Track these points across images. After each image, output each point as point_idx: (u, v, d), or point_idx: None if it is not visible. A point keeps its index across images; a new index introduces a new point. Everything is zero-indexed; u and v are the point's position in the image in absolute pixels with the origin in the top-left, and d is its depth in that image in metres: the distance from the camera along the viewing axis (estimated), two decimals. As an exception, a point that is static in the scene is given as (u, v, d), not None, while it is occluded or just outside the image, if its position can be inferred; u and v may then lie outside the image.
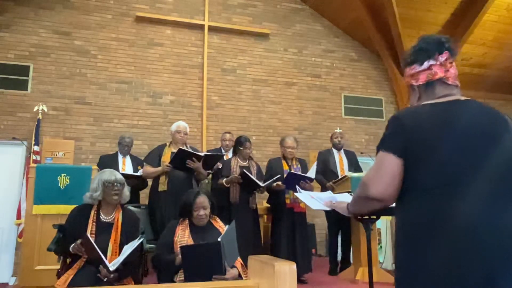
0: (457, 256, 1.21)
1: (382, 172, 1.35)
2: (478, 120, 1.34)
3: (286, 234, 4.41)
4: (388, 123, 1.42)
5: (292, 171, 4.51)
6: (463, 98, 1.41)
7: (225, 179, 4.34)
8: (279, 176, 4.39)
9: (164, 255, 2.80)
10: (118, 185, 2.85)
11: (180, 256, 2.67)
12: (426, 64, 1.45)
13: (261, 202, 5.62)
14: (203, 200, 2.90)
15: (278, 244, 4.44)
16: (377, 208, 1.42)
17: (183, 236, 2.83)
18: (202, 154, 4.23)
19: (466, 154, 1.28)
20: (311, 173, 4.44)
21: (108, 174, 2.89)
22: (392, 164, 1.33)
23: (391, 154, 1.34)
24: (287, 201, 4.47)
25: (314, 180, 4.58)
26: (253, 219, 4.44)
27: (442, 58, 1.44)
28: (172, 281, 2.64)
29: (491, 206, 1.24)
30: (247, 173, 4.23)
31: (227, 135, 5.36)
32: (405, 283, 1.31)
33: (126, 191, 2.95)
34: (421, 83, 1.47)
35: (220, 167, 4.59)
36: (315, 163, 4.59)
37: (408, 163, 1.33)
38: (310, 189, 4.27)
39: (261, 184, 4.27)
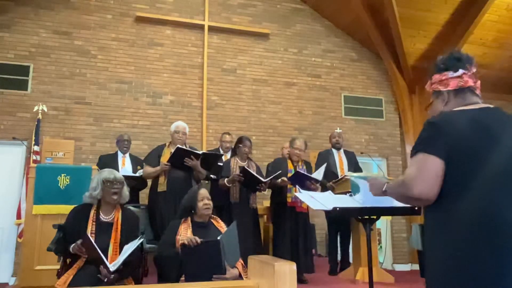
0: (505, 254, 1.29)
1: (426, 173, 1.41)
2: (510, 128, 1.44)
3: (289, 234, 4.41)
4: (425, 126, 1.48)
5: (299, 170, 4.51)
6: (491, 106, 1.51)
7: (226, 179, 4.34)
8: (280, 172, 4.39)
9: (167, 252, 2.80)
10: (118, 184, 2.86)
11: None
12: (460, 72, 1.53)
13: (261, 202, 5.62)
14: (205, 191, 3.06)
15: (280, 244, 4.44)
16: (417, 204, 1.52)
17: (185, 234, 2.84)
18: (200, 152, 4.23)
19: (504, 157, 1.37)
20: (319, 174, 4.43)
21: (107, 173, 2.90)
22: (435, 165, 1.40)
23: (434, 156, 1.41)
24: (288, 200, 4.46)
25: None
26: (253, 219, 4.44)
27: (473, 69, 1.54)
28: (177, 281, 2.63)
29: None
30: (248, 169, 4.23)
31: (227, 136, 5.33)
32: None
33: (126, 190, 2.96)
34: (450, 89, 1.55)
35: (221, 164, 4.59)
36: (324, 165, 4.57)
37: (449, 165, 1.40)
38: (316, 190, 4.26)
39: (263, 179, 4.27)
